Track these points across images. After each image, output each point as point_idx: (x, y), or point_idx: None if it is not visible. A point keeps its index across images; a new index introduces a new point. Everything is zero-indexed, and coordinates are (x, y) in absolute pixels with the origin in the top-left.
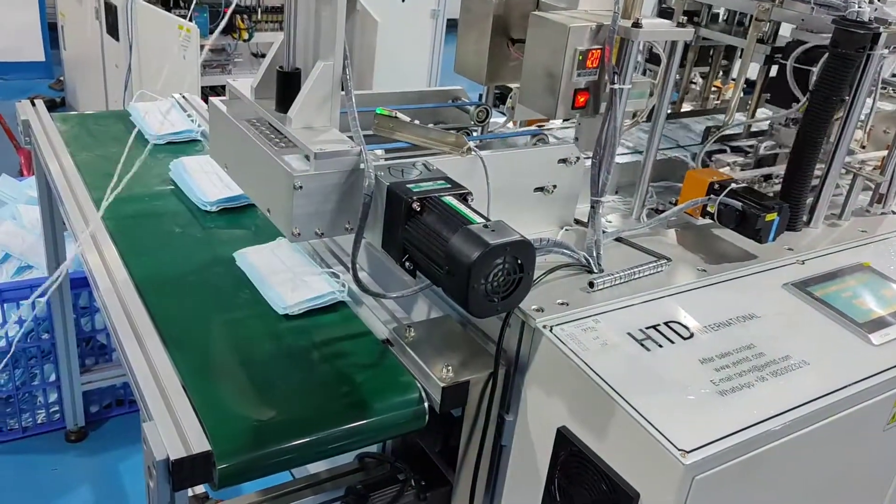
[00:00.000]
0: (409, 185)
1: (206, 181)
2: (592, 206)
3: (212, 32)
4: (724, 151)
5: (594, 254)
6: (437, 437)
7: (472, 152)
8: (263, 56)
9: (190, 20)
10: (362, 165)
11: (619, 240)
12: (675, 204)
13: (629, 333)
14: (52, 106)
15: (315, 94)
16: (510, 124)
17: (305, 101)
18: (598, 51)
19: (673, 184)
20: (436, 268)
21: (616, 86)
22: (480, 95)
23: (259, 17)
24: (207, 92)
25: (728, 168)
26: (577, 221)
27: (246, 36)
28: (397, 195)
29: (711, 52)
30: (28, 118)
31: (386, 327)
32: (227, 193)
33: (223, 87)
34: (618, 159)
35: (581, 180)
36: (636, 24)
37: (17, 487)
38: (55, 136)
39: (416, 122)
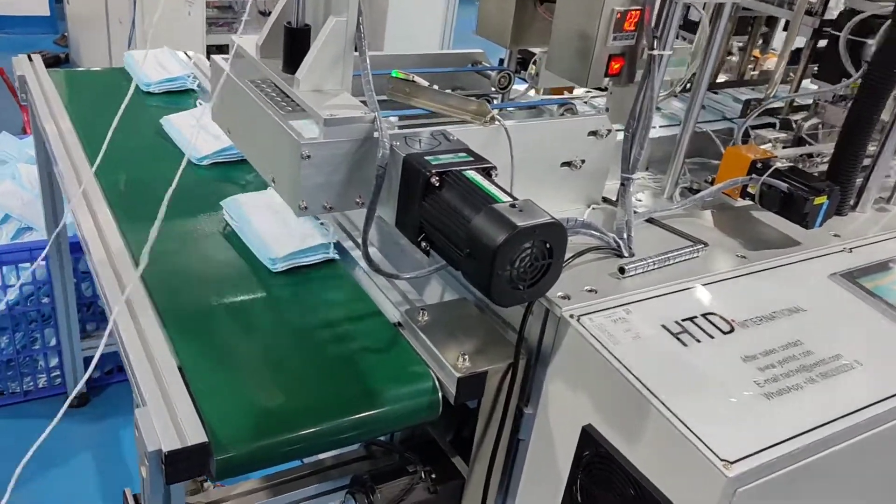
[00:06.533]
0: (427, 158)
1: (197, 137)
2: (623, 184)
3: None
4: (771, 126)
5: (624, 236)
6: (448, 426)
7: (496, 121)
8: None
9: None
10: (376, 134)
11: (650, 220)
12: (711, 182)
13: (664, 326)
14: (56, 62)
15: (326, 54)
16: (532, 92)
17: (315, 60)
18: (638, 12)
19: (707, 160)
20: (455, 250)
21: (655, 52)
22: (501, 60)
23: None
24: (213, 51)
25: (770, 145)
26: (605, 199)
27: None
28: (415, 168)
29: (752, 21)
30: (24, 74)
31: (398, 309)
32: (219, 146)
33: (229, 46)
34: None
35: (611, 155)
36: None
37: (18, 451)
38: (52, 93)
39: (435, 87)
